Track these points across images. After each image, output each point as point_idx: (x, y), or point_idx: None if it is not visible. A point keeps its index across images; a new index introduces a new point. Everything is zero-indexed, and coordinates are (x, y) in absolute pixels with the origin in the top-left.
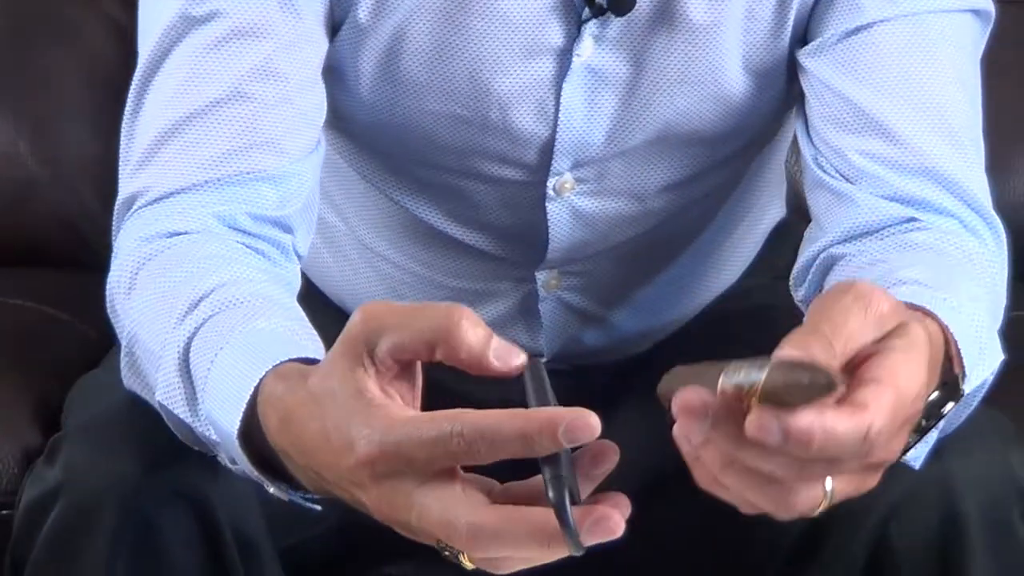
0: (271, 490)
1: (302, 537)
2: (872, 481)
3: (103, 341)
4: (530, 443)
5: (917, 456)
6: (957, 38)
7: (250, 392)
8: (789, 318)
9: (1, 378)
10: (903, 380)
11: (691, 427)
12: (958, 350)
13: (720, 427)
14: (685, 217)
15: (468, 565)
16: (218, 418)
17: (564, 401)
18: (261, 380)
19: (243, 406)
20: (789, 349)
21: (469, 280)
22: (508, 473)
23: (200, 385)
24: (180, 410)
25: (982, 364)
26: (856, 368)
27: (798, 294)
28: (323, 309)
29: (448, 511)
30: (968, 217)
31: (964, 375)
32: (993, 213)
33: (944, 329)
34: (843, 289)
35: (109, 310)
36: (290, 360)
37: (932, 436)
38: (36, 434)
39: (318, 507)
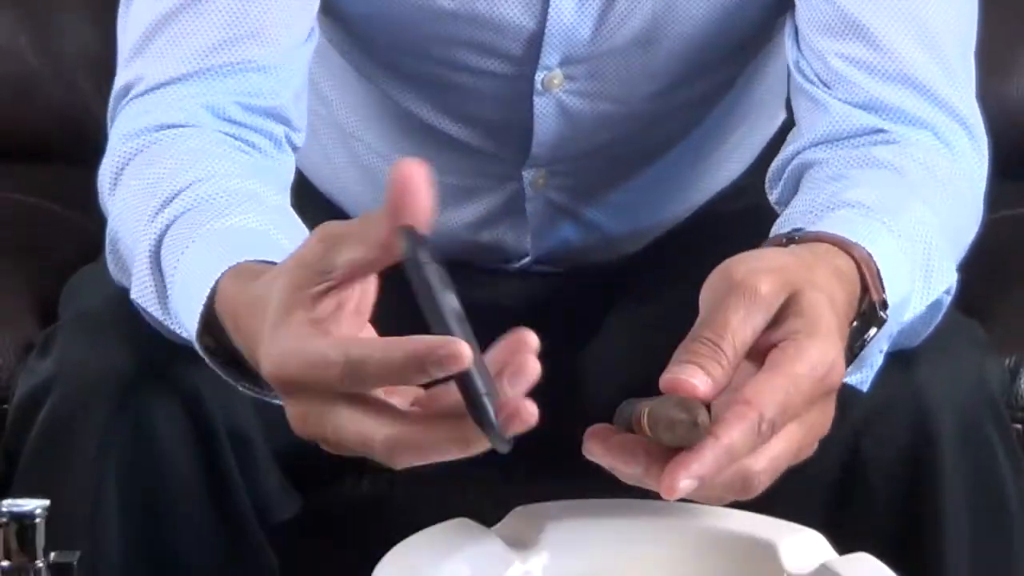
0: (239, 387)
1: (296, 438)
2: (806, 453)
3: (102, 236)
4: (406, 375)
5: (863, 380)
6: None
7: (207, 292)
8: (774, 220)
9: (0, 272)
10: (804, 362)
11: (619, 466)
12: (879, 277)
13: (653, 472)
14: (674, 121)
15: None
16: (183, 318)
17: (555, 304)
18: (218, 280)
19: (201, 306)
20: (673, 372)
21: (455, 176)
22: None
23: (169, 283)
24: (152, 308)
25: (929, 285)
26: (765, 356)
27: (772, 195)
28: (315, 203)
29: (363, 428)
30: (944, 126)
31: (884, 302)
32: (975, 118)
33: (861, 260)
34: (721, 279)
35: (100, 205)
36: (250, 261)
37: (876, 360)
38: (35, 328)
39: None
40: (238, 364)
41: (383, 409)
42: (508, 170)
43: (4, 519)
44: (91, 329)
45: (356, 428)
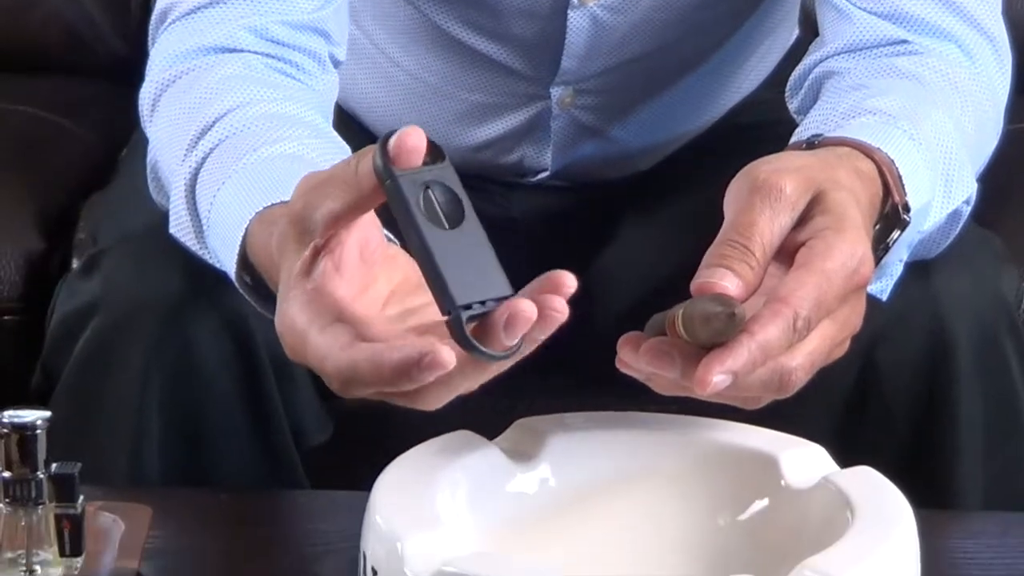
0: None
1: None
2: (840, 351)
3: (104, 147)
4: (397, 384)
5: (883, 289)
6: None
7: (241, 235)
8: (791, 132)
9: (2, 184)
10: (835, 258)
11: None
12: (900, 181)
13: (689, 373)
14: (703, 36)
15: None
16: (221, 256)
17: (569, 217)
18: (250, 223)
19: (236, 248)
20: (704, 275)
21: (483, 93)
22: None
23: (204, 222)
24: (190, 242)
25: (949, 193)
26: (794, 256)
27: (792, 104)
28: (346, 126)
29: (321, 357)
30: (967, 38)
31: (907, 205)
32: (999, 31)
33: (882, 164)
34: (746, 181)
35: (142, 104)
36: (275, 204)
37: (896, 270)
38: (38, 240)
39: None
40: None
41: (338, 335)
42: (536, 88)
43: (5, 430)
44: (137, 252)
45: (316, 356)
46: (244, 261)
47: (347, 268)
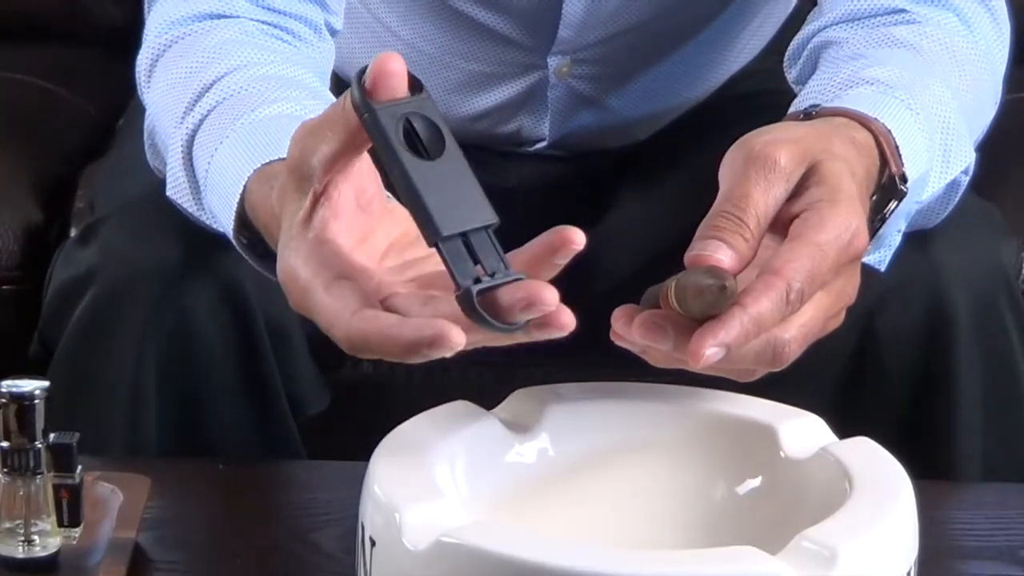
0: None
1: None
2: (835, 323)
3: (102, 117)
4: (406, 358)
5: (881, 259)
6: None
7: (239, 193)
8: (789, 102)
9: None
10: (829, 229)
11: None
12: (897, 151)
13: (681, 345)
14: (699, 5)
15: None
16: (219, 215)
17: (566, 186)
18: (248, 181)
19: (234, 206)
20: (697, 247)
21: (480, 63)
22: None
23: (202, 181)
24: (187, 205)
25: (947, 163)
26: (788, 227)
27: (791, 74)
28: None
29: (329, 320)
30: (966, 6)
31: (904, 175)
32: (997, 0)
33: (879, 134)
34: (740, 152)
35: (139, 68)
36: (273, 161)
37: (894, 240)
38: (36, 210)
39: None
40: (275, 257)
41: (348, 300)
42: (533, 58)
43: (4, 399)
44: (134, 221)
45: (325, 321)
46: (242, 220)
47: (344, 215)
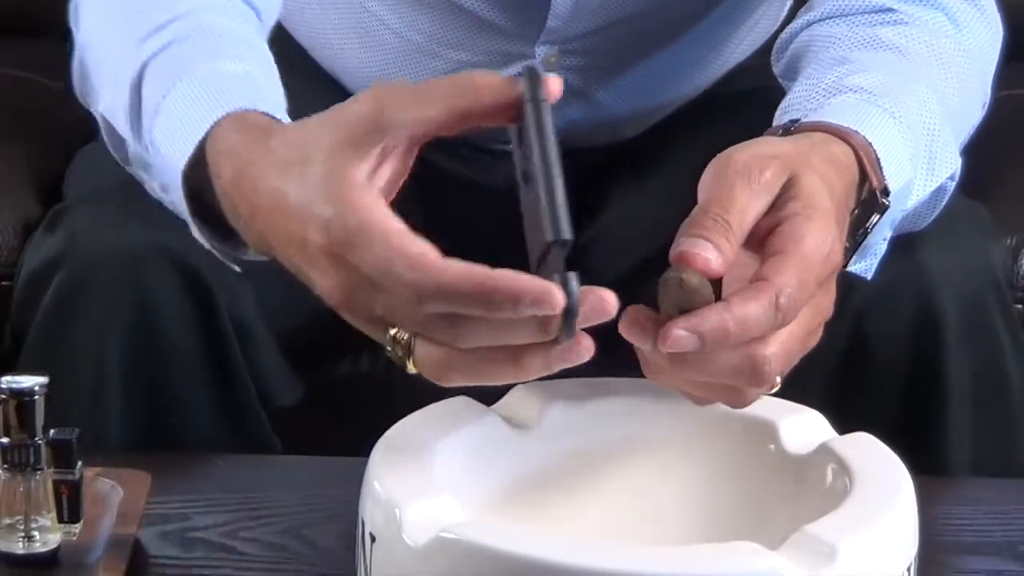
0: (195, 234)
1: (295, 322)
2: (814, 339)
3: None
4: (495, 310)
5: (867, 268)
6: None
7: (202, 133)
8: (779, 100)
9: None
10: (809, 243)
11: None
12: (878, 164)
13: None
14: (692, 1)
15: (411, 369)
16: (166, 151)
17: None
18: (216, 123)
19: (193, 146)
20: (683, 245)
21: (468, 52)
22: None
23: (150, 110)
24: (121, 125)
25: (932, 171)
26: (763, 243)
27: (776, 68)
28: (304, 73)
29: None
30: (955, 5)
31: (886, 189)
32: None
33: (859, 147)
34: (723, 165)
35: (71, 11)
36: (251, 111)
37: (880, 248)
38: (35, 205)
39: (236, 267)
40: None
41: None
42: (521, 46)
43: (3, 395)
44: (99, 208)
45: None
46: (195, 163)
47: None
